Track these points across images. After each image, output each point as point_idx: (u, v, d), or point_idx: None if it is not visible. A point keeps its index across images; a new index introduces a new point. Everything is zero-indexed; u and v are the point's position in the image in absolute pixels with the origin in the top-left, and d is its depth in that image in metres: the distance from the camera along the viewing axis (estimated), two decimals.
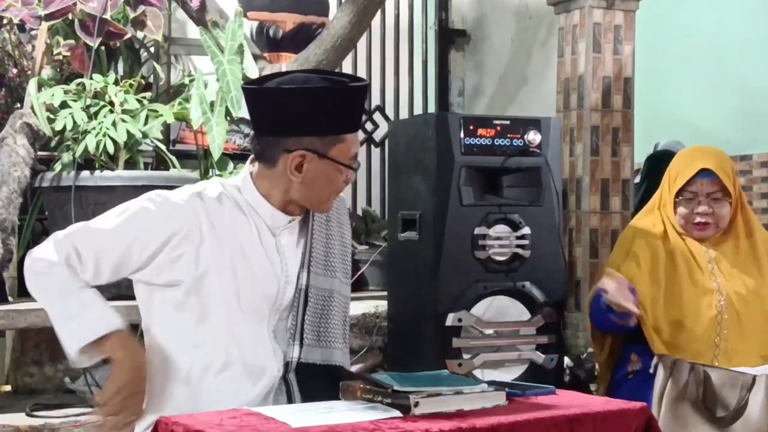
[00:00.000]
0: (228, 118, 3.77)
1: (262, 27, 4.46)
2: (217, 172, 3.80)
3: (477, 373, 3.35)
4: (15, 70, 3.83)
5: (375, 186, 5.37)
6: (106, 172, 3.50)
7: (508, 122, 3.49)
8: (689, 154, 3.22)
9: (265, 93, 2.17)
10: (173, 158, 3.83)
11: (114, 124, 3.53)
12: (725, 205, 3.12)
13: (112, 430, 2.03)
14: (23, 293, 3.70)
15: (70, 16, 3.68)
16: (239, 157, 3.97)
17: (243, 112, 3.70)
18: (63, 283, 2.08)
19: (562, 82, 4.62)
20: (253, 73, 3.81)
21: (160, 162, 3.94)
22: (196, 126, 3.77)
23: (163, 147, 3.85)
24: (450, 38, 5.94)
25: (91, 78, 3.67)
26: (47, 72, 3.82)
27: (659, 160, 4.70)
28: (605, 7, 4.51)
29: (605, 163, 4.51)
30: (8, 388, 3.67)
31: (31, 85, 3.62)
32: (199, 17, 4.14)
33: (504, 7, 5.76)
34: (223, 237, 2.14)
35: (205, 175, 3.90)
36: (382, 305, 3.91)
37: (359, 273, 4.27)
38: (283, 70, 3.56)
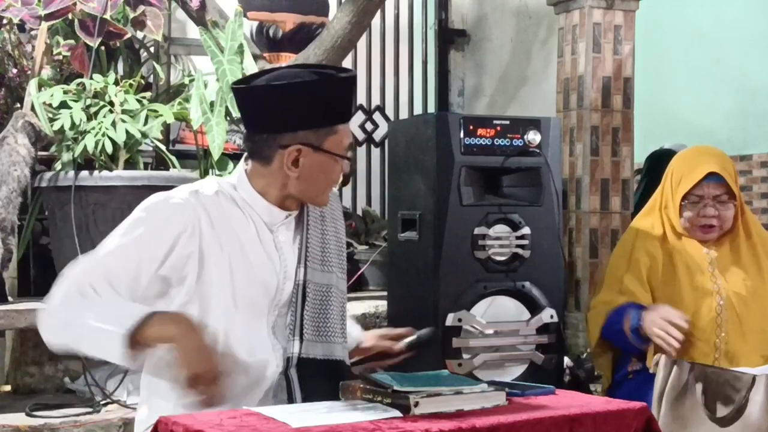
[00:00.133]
0: (228, 118, 3.77)
1: (262, 27, 4.46)
2: (217, 172, 3.80)
3: (477, 373, 3.35)
4: (15, 70, 3.82)
5: (375, 186, 5.37)
6: (106, 172, 3.50)
7: (508, 122, 3.49)
8: (693, 157, 3.21)
9: (257, 91, 2.17)
10: (173, 158, 3.83)
11: (114, 124, 3.52)
12: (730, 208, 3.13)
13: (215, 399, 1.96)
14: (23, 293, 3.71)
15: (70, 16, 3.67)
16: (239, 157, 3.95)
17: None
18: (83, 307, 2.03)
19: (562, 82, 4.63)
20: None
21: (159, 162, 3.94)
22: (196, 126, 3.77)
23: (162, 147, 3.85)
24: (450, 38, 5.94)
25: (91, 78, 3.67)
26: (47, 72, 3.82)
27: (659, 159, 4.72)
28: (605, 7, 4.51)
29: (605, 163, 4.52)
30: (8, 388, 3.67)
31: (32, 85, 3.62)
32: (199, 17, 4.14)
33: (504, 7, 5.76)
34: (221, 234, 2.14)
35: (205, 175, 3.90)
36: (382, 305, 3.91)
37: (359, 273, 4.27)
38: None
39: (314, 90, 2.14)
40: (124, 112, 3.59)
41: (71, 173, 3.47)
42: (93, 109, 3.59)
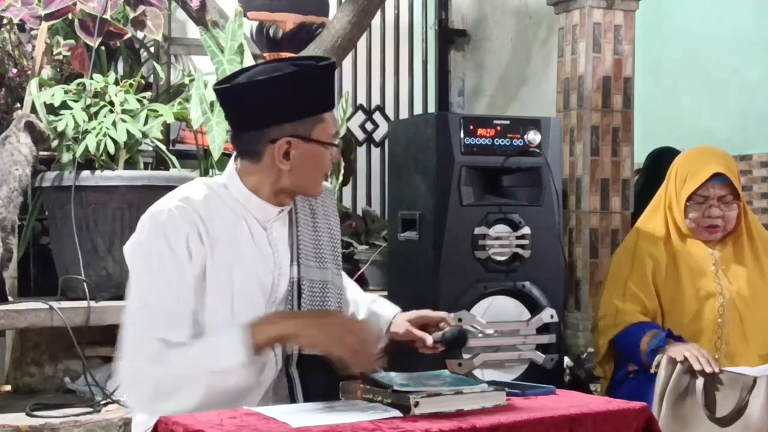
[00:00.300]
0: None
1: (262, 27, 4.45)
2: (217, 172, 3.80)
3: (477, 373, 3.35)
4: (15, 70, 3.82)
5: (375, 186, 5.36)
6: (106, 172, 3.50)
7: (508, 122, 3.49)
8: (697, 157, 3.22)
9: (239, 89, 2.17)
10: (173, 158, 3.83)
11: (114, 124, 3.52)
12: (734, 208, 3.14)
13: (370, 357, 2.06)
14: (23, 293, 3.71)
15: (70, 16, 3.67)
16: None
17: None
18: (179, 354, 2.03)
19: (562, 82, 4.62)
20: None
21: (160, 162, 3.94)
22: (196, 126, 3.76)
23: (163, 147, 3.85)
24: (450, 38, 5.94)
25: (91, 78, 3.66)
26: (47, 72, 3.82)
27: (659, 157, 4.72)
28: (605, 7, 4.51)
29: (605, 163, 4.51)
30: (8, 388, 3.67)
31: (33, 86, 3.62)
32: (199, 17, 4.14)
33: (504, 7, 5.76)
34: (215, 237, 2.13)
35: (205, 175, 3.90)
36: None
37: (359, 273, 4.26)
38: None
39: (296, 81, 2.14)
40: (124, 112, 3.59)
41: (72, 173, 3.47)
42: (93, 109, 3.59)
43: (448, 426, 1.80)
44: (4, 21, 3.75)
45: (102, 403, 3.29)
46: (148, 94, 3.85)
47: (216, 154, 3.70)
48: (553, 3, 4.69)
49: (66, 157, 3.53)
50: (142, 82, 3.90)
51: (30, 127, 3.49)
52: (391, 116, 5.49)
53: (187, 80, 4.13)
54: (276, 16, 4.44)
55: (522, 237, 3.44)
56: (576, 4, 4.54)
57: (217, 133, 3.69)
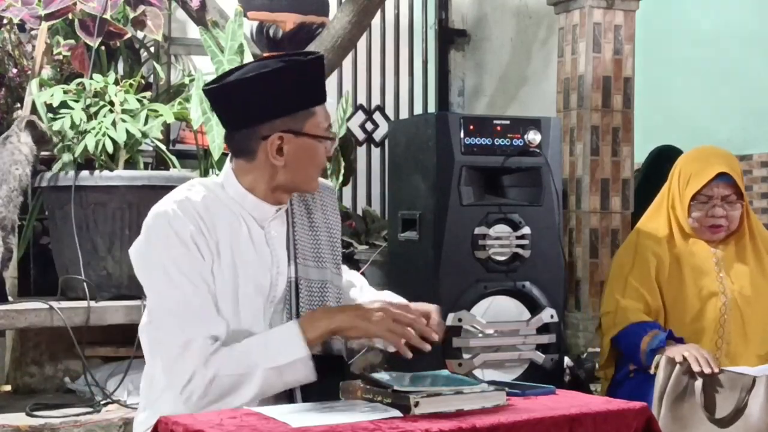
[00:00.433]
0: None
1: (262, 27, 4.45)
2: (217, 172, 3.79)
3: (477, 373, 3.35)
4: (15, 70, 3.82)
5: (375, 186, 5.36)
6: (106, 172, 3.50)
7: (508, 122, 3.49)
8: (701, 157, 3.22)
9: (228, 88, 2.17)
10: (173, 158, 3.83)
11: (114, 124, 3.52)
12: (738, 208, 3.14)
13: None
14: (23, 293, 3.71)
15: (70, 16, 3.67)
16: None
17: None
18: (234, 351, 2.05)
19: (562, 82, 4.62)
20: None
21: (160, 162, 3.94)
22: (196, 126, 3.76)
23: (163, 147, 3.85)
24: (450, 38, 5.94)
25: (91, 78, 3.66)
26: (47, 72, 3.82)
27: (660, 155, 4.73)
28: (605, 6, 4.51)
29: (605, 162, 4.52)
30: (8, 388, 3.67)
31: (33, 86, 3.62)
32: (199, 17, 4.13)
33: (504, 7, 5.76)
34: (215, 238, 2.13)
35: (205, 175, 3.90)
36: None
37: (359, 273, 4.26)
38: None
39: (284, 76, 2.14)
40: (124, 111, 3.59)
41: (71, 173, 3.47)
42: (93, 109, 3.59)
43: (448, 426, 1.80)
44: (4, 21, 3.75)
45: (102, 403, 3.28)
46: (148, 94, 3.85)
47: (216, 154, 3.70)
48: (553, 3, 4.69)
49: (66, 157, 3.53)
50: (142, 82, 3.89)
51: (31, 127, 3.49)
52: (391, 116, 5.48)
53: (187, 80, 4.12)
54: (276, 16, 4.44)
55: (522, 237, 3.44)
56: (576, 4, 4.54)
57: (217, 133, 3.69)
